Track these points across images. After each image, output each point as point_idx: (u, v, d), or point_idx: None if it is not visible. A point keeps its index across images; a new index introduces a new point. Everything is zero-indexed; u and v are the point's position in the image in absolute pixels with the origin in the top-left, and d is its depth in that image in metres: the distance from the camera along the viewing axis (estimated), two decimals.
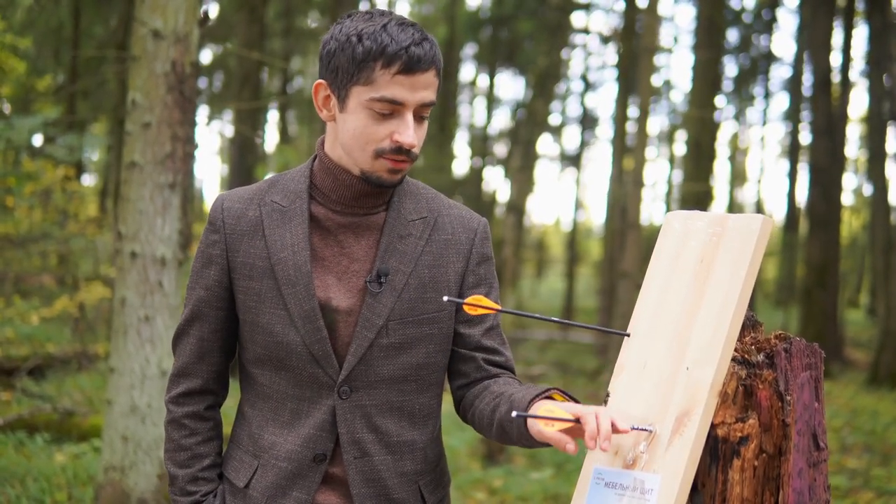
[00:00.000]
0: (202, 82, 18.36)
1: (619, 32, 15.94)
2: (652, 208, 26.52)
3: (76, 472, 4.45)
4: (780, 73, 22.78)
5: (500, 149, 23.16)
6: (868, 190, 18.77)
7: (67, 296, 8.08)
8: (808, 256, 12.43)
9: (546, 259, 35.67)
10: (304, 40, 17.98)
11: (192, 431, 1.61)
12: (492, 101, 21.37)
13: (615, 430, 1.28)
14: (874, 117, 12.24)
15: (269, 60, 10.35)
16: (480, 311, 1.44)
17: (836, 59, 12.88)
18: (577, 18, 32.05)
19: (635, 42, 12.95)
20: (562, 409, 1.31)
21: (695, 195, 10.88)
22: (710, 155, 11.89)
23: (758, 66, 19.46)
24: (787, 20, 39.66)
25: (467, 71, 23.88)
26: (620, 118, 13.17)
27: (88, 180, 20.58)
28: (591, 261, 31.24)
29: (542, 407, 1.33)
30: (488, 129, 21.28)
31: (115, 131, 10.95)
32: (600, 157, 66.97)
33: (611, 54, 20.17)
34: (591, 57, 20.92)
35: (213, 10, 14.17)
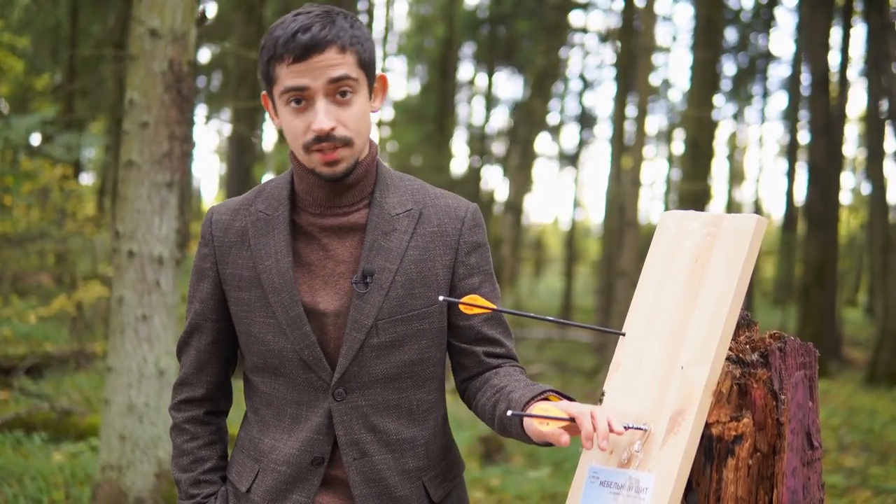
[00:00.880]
0: (200, 81, 18.33)
1: (618, 32, 15.95)
2: (650, 207, 26.52)
3: (74, 471, 4.45)
4: (778, 72, 22.83)
5: (499, 148, 23.14)
6: (866, 189, 18.80)
7: (65, 295, 8.07)
8: (806, 255, 12.43)
9: (544, 258, 35.68)
10: None
11: (193, 436, 1.63)
12: (490, 100, 21.35)
13: (609, 430, 1.28)
14: (872, 116, 12.23)
15: None
16: (477, 311, 1.44)
17: (834, 59, 12.90)
18: (576, 17, 32.11)
19: (634, 41, 12.96)
20: (557, 408, 1.32)
21: (693, 194, 10.88)
22: (709, 154, 11.88)
23: (756, 65, 19.45)
24: (786, 19, 39.64)
25: (465, 70, 23.94)
26: (619, 117, 13.19)
27: (86, 179, 20.57)
28: (590, 260, 31.24)
29: (537, 406, 1.33)
30: (486, 128, 21.25)
31: (113, 130, 10.94)
32: (598, 157, 67.12)
33: (609, 53, 20.18)
34: (590, 56, 20.95)
35: (211, 10, 14.17)
